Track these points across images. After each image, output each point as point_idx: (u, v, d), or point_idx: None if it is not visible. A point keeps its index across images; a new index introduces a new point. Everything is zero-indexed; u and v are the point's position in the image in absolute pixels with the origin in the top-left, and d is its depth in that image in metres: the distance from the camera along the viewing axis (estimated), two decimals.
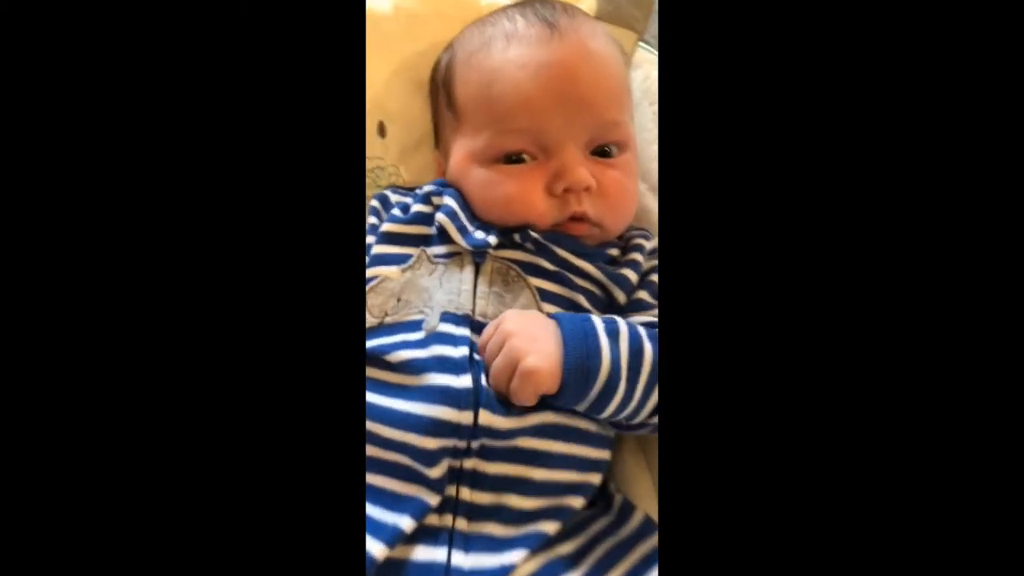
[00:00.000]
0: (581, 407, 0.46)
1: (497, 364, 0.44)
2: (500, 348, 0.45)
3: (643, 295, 0.53)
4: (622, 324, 0.47)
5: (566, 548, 0.44)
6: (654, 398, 0.47)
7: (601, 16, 0.69)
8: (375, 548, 0.41)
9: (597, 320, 0.47)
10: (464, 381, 0.44)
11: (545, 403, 0.45)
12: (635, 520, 0.48)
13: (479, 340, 0.47)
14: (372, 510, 0.43)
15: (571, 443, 0.47)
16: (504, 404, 0.45)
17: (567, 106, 0.51)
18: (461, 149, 0.55)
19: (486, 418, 0.43)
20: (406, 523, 0.41)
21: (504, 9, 0.59)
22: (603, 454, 0.50)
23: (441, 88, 0.59)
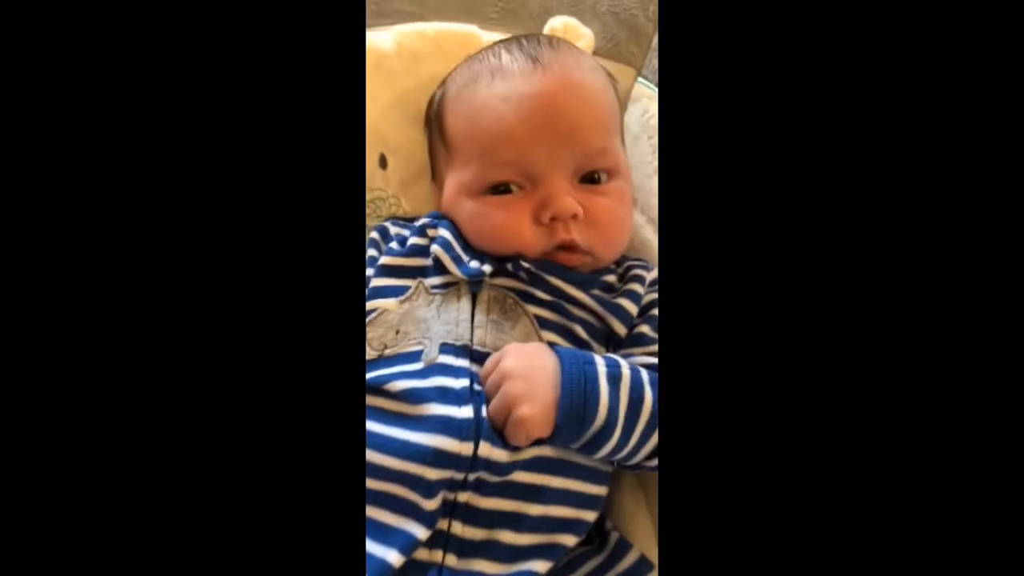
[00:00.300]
0: (574, 447, 0.46)
1: (493, 405, 0.45)
2: (498, 387, 0.45)
3: (645, 329, 0.53)
4: (625, 369, 0.47)
5: None
6: (652, 443, 0.47)
7: (600, 53, 0.70)
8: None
9: (600, 364, 0.47)
10: (465, 412, 0.44)
11: (541, 440, 0.45)
12: (629, 559, 0.47)
13: (481, 372, 0.47)
14: (369, 542, 0.42)
15: (568, 478, 0.46)
16: (503, 437, 0.45)
17: (551, 136, 0.52)
18: (452, 182, 0.56)
19: (486, 450, 0.43)
20: (393, 557, 0.41)
21: (492, 45, 0.60)
22: (600, 490, 0.49)
23: (434, 122, 0.61)
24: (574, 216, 0.51)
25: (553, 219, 0.51)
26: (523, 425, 0.43)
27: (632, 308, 0.54)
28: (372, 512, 0.43)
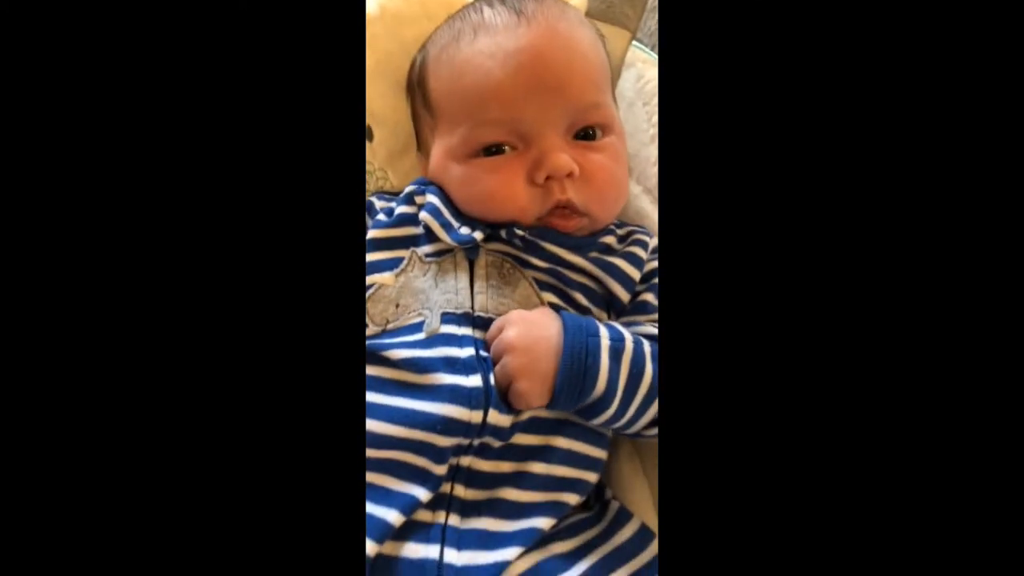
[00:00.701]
0: (571, 412, 0.46)
1: (496, 374, 0.45)
2: (499, 358, 0.45)
3: (649, 297, 0.52)
4: (628, 342, 0.46)
5: (560, 548, 0.44)
6: (650, 414, 0.46)
7: (593, 14, 0.67)
8: (366, 544, 0.40)
9: (604, 336, 0.46)
10: (474, 381, 0.44)
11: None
12: (630, 529, 0.47)
13: (486, 337, 0.47)
14: (370, 506, 0.42)
15: (571, 439, 0.46)
16: (508, 403, 0.45)
17: (541, 91, 0.49)
18: (439, 147, 0.53)
19: (494, 417, 0.43)
20: (393, 517, 0.40)
21: (472, 2, 0.57)
22: (601, 453, 0.49)
23: (416, 88, 0.58)
24: (570, 174, 0.49)
25: (548, 178, 0.49)
26: (521, 399, 0.44)
27: (632, 272, 0.52)
28: (379, 479, 0.42)
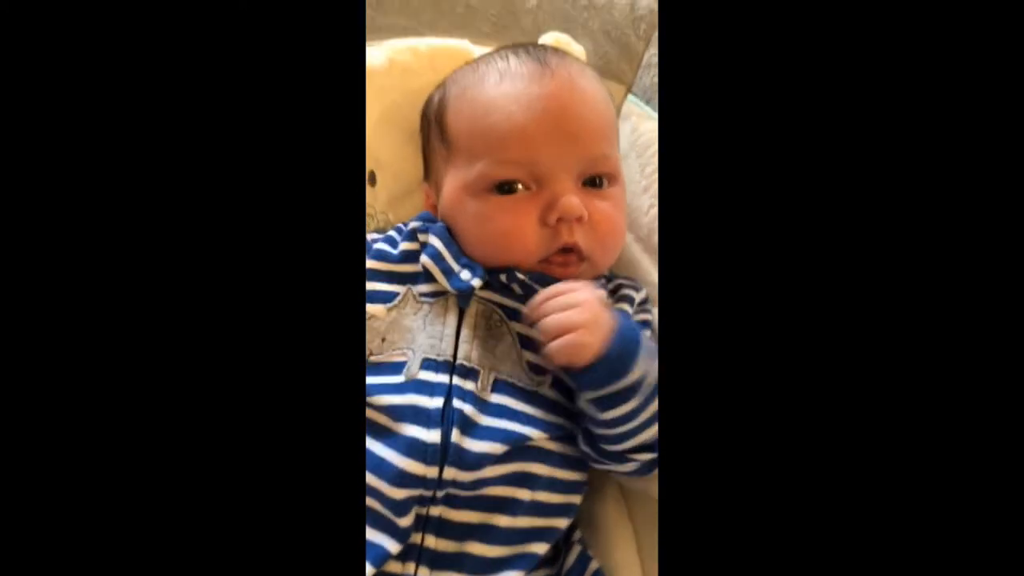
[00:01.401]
0: (588, 395, 0.47)
1: (552, 321, 0.46)
2: (562, 309, 0.46)
3: None
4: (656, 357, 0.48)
5: None
6: (650, 432, 0.47)
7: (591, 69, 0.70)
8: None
9: (645, 338, 0.48)
10: (433, 436, 0.45)
11: (515, 448, 0.46)
12: (576, 548, 0.48)
13: (542, 293, 0.48)
14: None
15: (537, 490, 0.47)
16: (468, 459, 0.45)
17: (559, 138, 0.52)
18: (454, 180, 0.55)
19: (451, 473, 0.45)
20: (367, 570, 0.42)
21: (496, 51, 0.61)
22: (572, 499, 0.50)
23: (433, 122, 0.60)
24: (579, 218, 0.51)
25: (559, 220, 0.51)
26: (577, 349, 0.45)
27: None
28: None
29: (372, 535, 0.43)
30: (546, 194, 0.52)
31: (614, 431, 0.47)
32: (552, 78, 0.54)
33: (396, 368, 0.49)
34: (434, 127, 0.60)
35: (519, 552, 0.46)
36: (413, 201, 0.66)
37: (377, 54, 0.65)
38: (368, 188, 0.67)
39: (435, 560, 0.44)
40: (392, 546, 0.43)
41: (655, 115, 0.68)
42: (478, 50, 0.67)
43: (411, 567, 0.43)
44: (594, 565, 0.49)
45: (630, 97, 0.71)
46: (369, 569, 0.42)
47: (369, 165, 0.66)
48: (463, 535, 0.45)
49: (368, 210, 0.67)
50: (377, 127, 0.65)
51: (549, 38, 0.68)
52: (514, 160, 0.52)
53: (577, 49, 0.69)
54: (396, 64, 0.65)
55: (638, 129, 0.68)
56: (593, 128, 0.54)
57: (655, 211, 0.63)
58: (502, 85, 0.55)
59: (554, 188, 0.52)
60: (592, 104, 0.56)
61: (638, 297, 0.57)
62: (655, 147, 0.66)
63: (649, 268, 0.62)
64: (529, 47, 0.59)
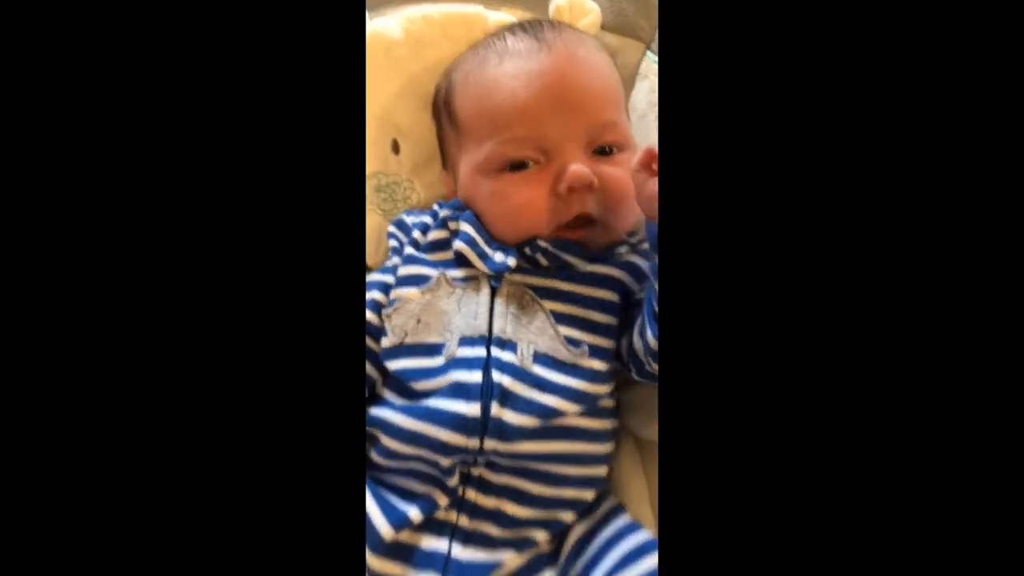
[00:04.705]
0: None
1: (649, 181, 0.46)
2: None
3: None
4: None
5: (547, 547, 0.49)
6: None
7: (607, 27, 0.70)
8: (383, 528, 0.47)
9: None
10: (474, 409, 0.48)
11: (549, 424, 0.49)
12: (620, 522, 0.51)
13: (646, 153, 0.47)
14: (390, 499, 0.48)
15: (566, 465, 0.50)
16: (507, 431, 0.48)
17: (562, 109, 0.53)
18: (467, 164, 0.57)
19: (491, 444, 0.48)
20: (414, 514, 0.47)
21: (496, 32, 0.62)
22: (600, 471, 0.53)
23: (443, 109, 0.62)
24: (589, 186, 0.52)
25: (570, 190, 0.52)
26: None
27: (644, 264, 0.56)
28: (402, 481, 0.49)
29: (426, 489, 0.48)
30: (555, 166, 0.53)
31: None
32: (550, 52, 0.55)
33: (433, 350, 0.51)
34: (444, 114, 0.61)
35: (548, 517, 0.50)
36: (435, 167, 0.68)
37: (392, 24, 0.66)
38: (392, 157, 0.69)
39: (474, 512, 0.48)
40: (442, 500, 0.48)
41: None
42: (492, 15, 0.67)
43: (454, 515, 0.48)
44: (625, 516, 0.52)
45: (648, 54, 0.70)
46: (418, 514, 0.47)
47: (392, 135, 0.68)
48: (499, 494, 0.49)
49: (395, 178, 0.69)
50: (397, 98, 0.66)
51: None
52: (521, 137, 0.54)
53: (592, 7, 0.68)
54: (411, 34, 0.66)
55: (656, 88, 0.68)
56: (596, 97, 0.55)
57: None
58: (502, 65, 0.56)
59: (563, 159, 0.53)
60: (593, 73, 0.56)
61: None
62: None
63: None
64: (526, 24, 0.59)
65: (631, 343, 0.52)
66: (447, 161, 0.64)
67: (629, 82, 0.70)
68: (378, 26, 0.66)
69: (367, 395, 0.55)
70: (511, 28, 0.60)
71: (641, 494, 0.55)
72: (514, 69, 0.55)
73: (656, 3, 0.71)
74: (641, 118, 0.68)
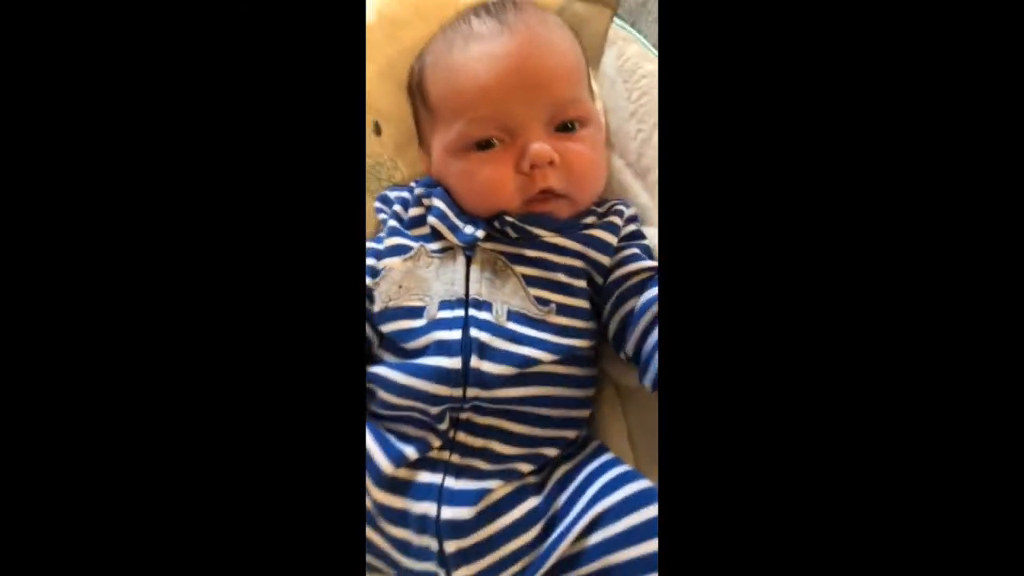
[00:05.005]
0: None
1: None
2: None
3: (632, 251, 0.60)
4: None
5: (533, 479, 0.54)
6: None
7: None
8: (384, 465, 0.53)
9: None
10: (455, 363, 0.53)
11: (526, 371, 0.54)
12: (602, 457, 0.56)
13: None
14: (389, 439, 0.54)
15: (546, 407, 0.55)
16: (487, 380, 0.53)
17: (524, 90, 0.57)
18: (438, 144, 0.62)
19: (473, 392, 0.53)
20: (410, 452, 0.53)
21: (462, 14, 0.65)
22: (580, 413, 0.58)
23: (416, 91, 0.66)
24: (551, 162, 0.57)
25: (533, 166, 0.57)
26: None
27: (609, 237, 0.60)
28: (399, 427, 0.55)
29: (420, 433, 0.54)
30: (519, 144, 0.57)
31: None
32: (511, 34, 0.58)
33: (415, 312, 0.57)
34: (417, 96, 0.65)
35: (532, 452, 0.55)
36: (415, 148, 0.71)
37: (367, 9, 0.68)
38: (375, 139, 0.72)
39: (464, 451, 0.53)
40: (435, 441, 0.54)
41: (640, 38, 0.70)
42: None
43: (446, 454, 0.53)
44: (608, 453, 0.57)
45: (615, 20, 0.72)
46: (413, 452, 0.53)
47: (373, 117, 0.71)
48: (486, 435, 0.54)
49: (378, 159, 0.73)
50: (376, 81, 0.69)
51: None
52: (485, 117, 0.57)
53: None
54: (385, 17, 0.68)
55: (624, 54, 0.70)
56: (557, 76, 0.58)
57: (643, 135, 0.67)
58: (467, 49, 0.59)
59: (526, 138, 0.57)
60: (553, 53, 0.59)
61: (627, 212, 0.62)
62: (640, 71, 0.68)
63: (639, 191, 0.67)
64: (490, 5, 0.62)
65: (625, 349, 0.56)
66: (422, 140, 0.68)
67: (598, 49, 0.72)
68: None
69: (368, 354, 0.60)
70: (476, 10, 0.63)
71: (621, 436, 0.60)
72: (478, 52, 0.58)
73: None
74: (611, 84, 0.70)
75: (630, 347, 0.55)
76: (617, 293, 0.58)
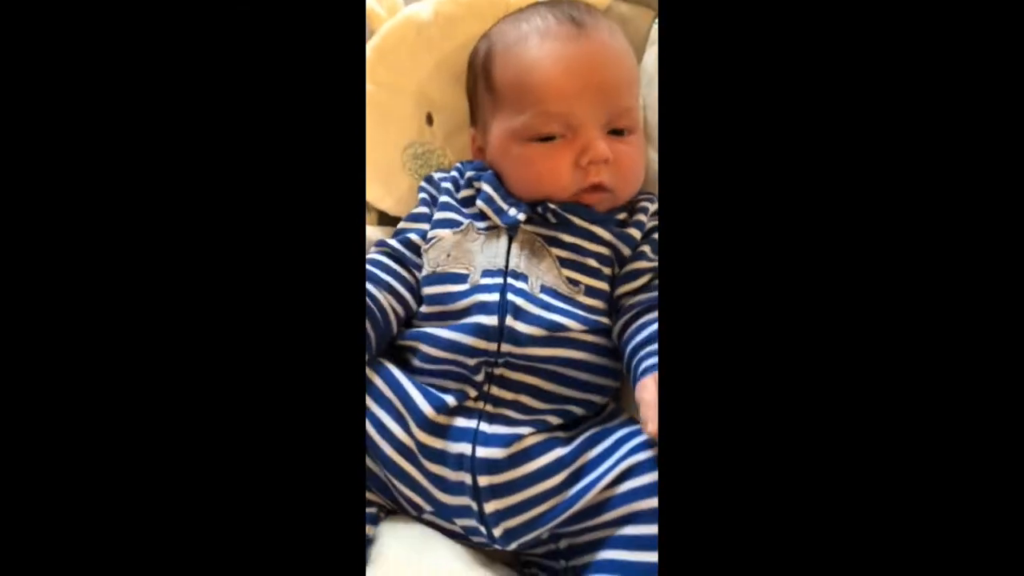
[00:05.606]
0: None
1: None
2: None
3: (645, 248, 0.66)
4: None
5: (562, 433, 0.60)
6: None
7: None
8: (426, 410, 0.58)
9: None
10: (492, 320, 0.60)
11: (555, 334, 0.59)
12: (633, 426, 0.60)
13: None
14: (431, 390, 0.60)
15: (572, 369, 0.61)
16: (519, 337, 0.59)
17: (591, 94, 0.64)
18: (500, 128, 0.67)
19: (506, 347, 0.59)
20: (450, 399, 0.59)
21: (535, 7, 0.70)
22: (606, 382, 0.63)
23: (480, 73, 0.71)
24: (605, 160, 0.63)
25: (590, 162, 0.63)
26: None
27: (636, 234, 0.66)
28: (439, 381, 0.61)
29: (458, 386, 0.60)
30: (579, 141, 0.64)
31: None
32: (587, 40, 0.65)
33: (460, 278, 0.64)
34: (481, 79, 0.70)
35: (561, 408, 0.60)
36: (464, 136, 0.76)
37: (424, 8, 0.74)
38: (427, 128, 0.78)
39: (497, 402, 0.59)
40: (471, 391, 0.59)
41: None
42: None
43: (481, 404, 0.59)
44: (626, 415, 0.63)
45: (657, 21, 0.76)
46: (453, 400, 0.59)
47: (427, 108, 0.77)
48: (517, 389, 0.59)
49: (429, 147, 0.78)
50: (431, 75, 0.75)
51: None
52: (553, 113, 0.63)
53: None
54: (441, 15, 0.74)
55: None
56: (620, 86, 0.65)
57: None
58: (544, 46, 0.65)
59: (585, 136, 0.63)
60: (620, 64, 0.66)
61: (652, 208, 0.67)
62: None
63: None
64: (564, 4, 0.68)
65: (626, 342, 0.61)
66: (477, 118, 0.73)
67: (640, 48, 0.76)
68: (410, 10, 0.74)
69: (406, 319, 0.66)
70: (551, 6, 0.68)
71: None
72: (554, 52, 0.64)
73: None
74: (650, 81, 0.74)
75: (615, 335, 0.62)
76: (621, 287, 0.63)
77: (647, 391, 0.52)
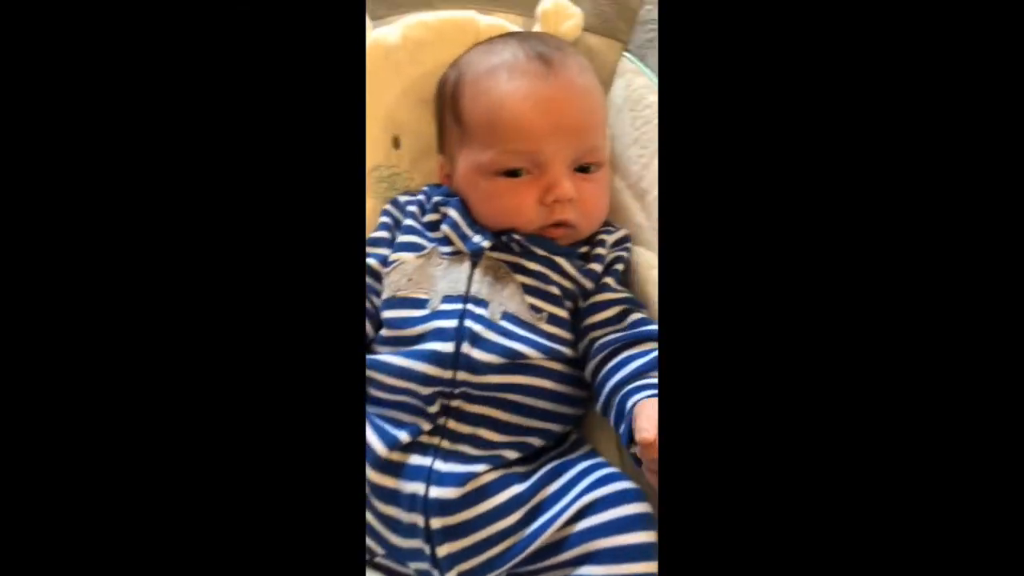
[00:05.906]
0: None
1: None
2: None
3: (608, 280, 0.66)
4: None
5: (520, 468, 0.58)
6: None
7: (590, 28, 0.77)
8: (378, 448, 0.57)
9: None
10: (448, 347, 0.59)
11: (514, 362, 0.59)
12: (594, 459, 0.60)
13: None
14: (384, 426, 0.59)
15: (536, 398, 0.60)
16: (475, 365, 0.58)
17: (559, 132, 0.63)
18: (467, 160, 0.66)
19: (462, 375, 0.58)
20: (403, 436, 0.58)
21: (505, 40, 0.70)
22: (569, 410, 0.62)
23: (448, 103, 0.70)
24: (570, 200, 0.63)
25: (555, 201, 0.63)
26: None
27: (598, 268, 0.66)
28: (392, 413, 0.59)
29: (412, 419, 0.58)
30: (545, 179, 0.63)
31: None
32: (555, 78, 0.64)
33: (420, 303, 0.63)
34: (449, 109, 0.70)
35: (518, 440, 0.59)
36: (430, 160, 0.76)
37: (392, 31, 0.74)
38: (394, 151, 0.77)
39: (454, 437, 0.58)
40: (425, 425, 0.58)
41: (647, 71, 0.75)
42: (483, 19, 0.74)
43: (436, 439, 0.58)
44: (588, 446, 0.62)
45: (625, 54, 0.77)
46: (407, 436, 0.57)
47: (393, 131, 0.76)
48: (475, 423, 0.58)
49: (395, 170, 0.77)
50: (399, 99, 0.74)
51: (548, 3, 0.75)
52: (521, 151, 0.63)
53: (575, 12, 0.75)
54: (409, 39, 0.73)
55: (631, 85, 0.75)
56: (587, 124, 0.66)
57: (643, 160, 0.71)
58: (512, 82, 0.64)
59: (552, 174, 0.63)
60: (588, 102, 0.67)
61: (610, 239, 0.67)
62: (645, 102, 0.73)
63: (636, 211, 0.71)
64: (534, 39, 0.68)
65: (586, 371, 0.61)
66: (444, 146, 0.72)
67: (608, 79, 0.76)
68: (379, 34, 0.73)
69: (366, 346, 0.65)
70: (520, 40, 0.68)
71: (609, 443, 0.63)
72: (522, 90, 0.64)
73: (634, 7, 0.77)
74: (618, 112, 0.74)
75: (588, 373, 0.61)
76: (587, 319, 0.63)
77: (646, 407, 0.50)
